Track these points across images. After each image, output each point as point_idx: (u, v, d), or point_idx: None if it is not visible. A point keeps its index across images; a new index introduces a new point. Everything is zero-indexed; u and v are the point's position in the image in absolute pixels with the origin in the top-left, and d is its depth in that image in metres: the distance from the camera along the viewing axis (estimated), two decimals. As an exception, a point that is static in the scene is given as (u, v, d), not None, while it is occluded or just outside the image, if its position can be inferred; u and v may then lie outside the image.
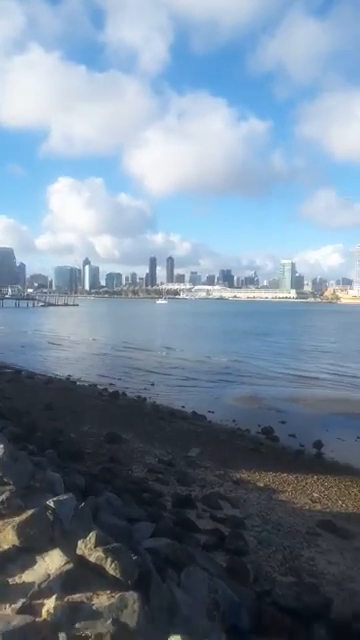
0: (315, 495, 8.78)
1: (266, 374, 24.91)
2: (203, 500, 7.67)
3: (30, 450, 7.15)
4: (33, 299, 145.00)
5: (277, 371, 25.97)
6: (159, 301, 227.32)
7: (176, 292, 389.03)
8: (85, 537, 2.75)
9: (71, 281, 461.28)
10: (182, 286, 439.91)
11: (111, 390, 18.77)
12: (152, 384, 21.06)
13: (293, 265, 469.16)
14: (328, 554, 6.30)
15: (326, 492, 9.00)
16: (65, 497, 3.09)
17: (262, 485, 9.09)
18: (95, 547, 2.72)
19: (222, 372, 24.95)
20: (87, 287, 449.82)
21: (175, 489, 8.16)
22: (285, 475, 9.76)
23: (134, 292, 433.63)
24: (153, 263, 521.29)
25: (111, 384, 20.55)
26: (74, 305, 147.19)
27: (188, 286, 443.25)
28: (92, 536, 2.72)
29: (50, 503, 2.94)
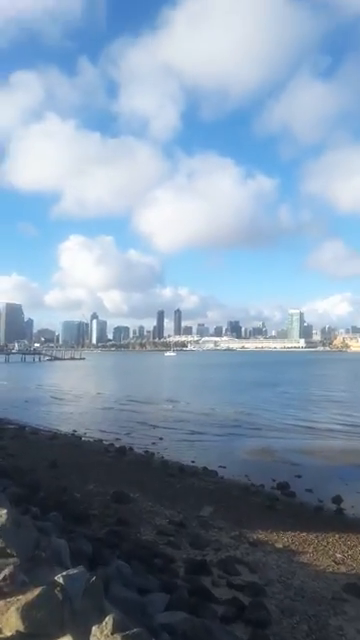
0: (338, 556, 8.26)
1: (276, 425, 24.46)
2: (219, 565, 7.20)
3: (33, 513, 6.82)
4: (39, 353, 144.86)
5: (287, 422, 25.48)
6: (167, 353, 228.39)
7: (183, 344, 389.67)
8: (100, 621, 2.43)
9: (78, 335, 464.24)
10: (190, 338, 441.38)
11: (117, 445, 18.45)
12: (160, 438, 20.66)
13: (301, 315, 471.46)
14: (357, 622, 5.84)
15: (350, 552, 8.48)
16: (75, 571, 2.77)
17: (281, 546, 8.59)
18: (112, 634, 2.39)
19: (231, 424, 24.62)
20: (94, 341, 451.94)
21: (188, 553, 7.71)
22: (305, 534, 9.24)
23: (141, 345, 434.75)
24: (161, 316, 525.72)
25: (117, 439, 20.28)
26: (80, 359, 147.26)
27: (196, 338, 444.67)
28: (109, 621, 2.40)
29: (59, 579, 2.63)
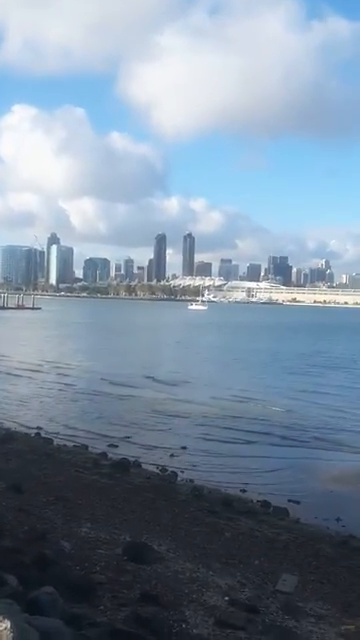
0: None
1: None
2: None
3: (13, 590, 6.14)
4: None
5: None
6: (193, 306, 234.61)
7: (197, 291, 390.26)
8: None
9: (28, 271, 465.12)
10: (207, 281, 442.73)
11: (114, 456, 18.70)
12: (183, 448, 21.01)
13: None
14: None
15: None
16: None
17: None
18: None
19: (295, 427, 25.49)
20: (53, 280, 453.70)
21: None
22: None
23: (129, 289, 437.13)
24: (161, 244, 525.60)
25: (111, 445, 20.84)
26: (34, 309, 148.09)
27: (217, 281, 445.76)
28: None
29: None
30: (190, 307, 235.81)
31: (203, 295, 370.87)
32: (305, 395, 33.93)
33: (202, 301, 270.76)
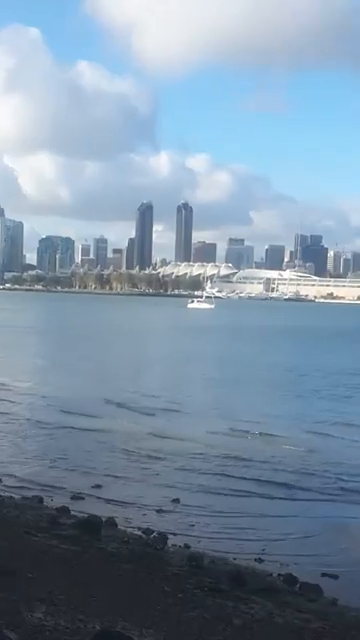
0: None
1: None
2: None
3: None
4: None
5: None
6: (195, 303, 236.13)
7: (195, 283, 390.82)
8: None
9: None
10: (210, 269, 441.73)
11: (79, 513, 18.80)
12: (174, 501, 21.19)
13: None
14: None
15: None
16: None
17: None
18: None
19: (319, 472, 26.13)
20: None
21: None
22: None
23: (102, 281, 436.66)
24: (146, 218, 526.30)
25: (76, 497, 20.93)
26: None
27: (224, 269, 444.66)
28: None
29: None
30: (190, 305, 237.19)
31: (204, 289, 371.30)
32: (336, 429, 34.45)
33: (207, 297, 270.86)
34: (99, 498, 21.02)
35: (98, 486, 22.24)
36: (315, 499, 22.57)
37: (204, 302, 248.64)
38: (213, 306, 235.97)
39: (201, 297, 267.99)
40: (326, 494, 23.10)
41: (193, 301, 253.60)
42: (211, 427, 33.14)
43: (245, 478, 24.54)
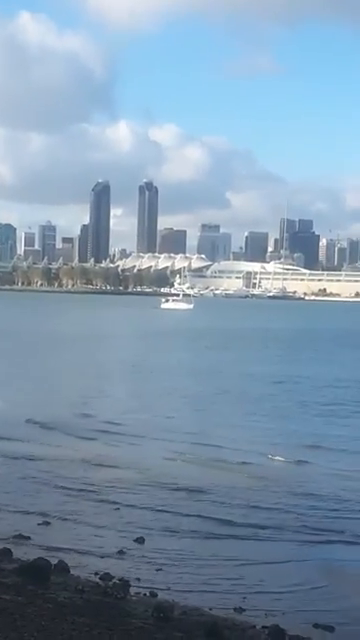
0: None
1: None
2: None
3: None
4: None
5: None
6: (170, 303, 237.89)
7: (162, 278, 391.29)
8: None
9: None
10: (179, 261, 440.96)
11: (24, 555, 18.74)
12: (137, 540, 21.10)
13: None
14: None
15: None
16: None
17: None
18: None
19: (305, 507, 26.20)
20: None
21: None
22: None
23: (49, 276, 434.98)
24: (102, 200, 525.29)
25: (19, 536, 20.74)
26: None
27: (196, 262, 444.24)
28: None
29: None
30: (164, 305, 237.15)
31: (172, 285, 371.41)
32: (317, 455, 34.97)
33: (184, 294, 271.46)
34: (47, 537, 20.82)
35: (46, 523, 22.09)
36: (300, 540, 22.53)
37: (181, 301, 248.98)
38: (192, 306, 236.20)
39: (178, 296, 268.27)
40: (315, 532, 23.09)
41: (167, 300, 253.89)
42: (179, 449, 33.39)
43: (216, 512, 24.80)
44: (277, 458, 33.35)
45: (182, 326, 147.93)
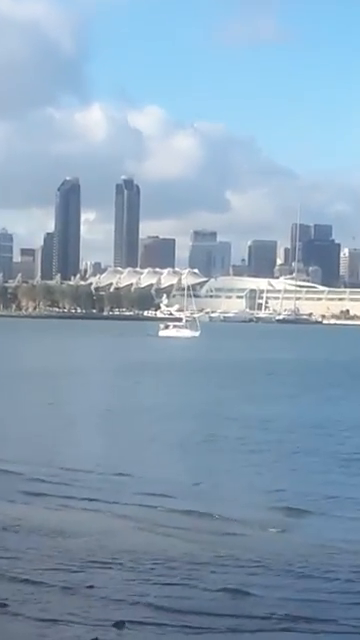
0: None
1: None
2: None
3: None
4: None
5: None
6: (170, 330, 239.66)
7: (145, 299, 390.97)
8: None
9: None
10: (166, 277, 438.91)
11: None
12: (117, 626, 20.69)
13: None
14: None
15: None
16: None
17: None
18: None
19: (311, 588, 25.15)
20: None
21: None
22: None
23: (5, 297, 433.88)
24: (70, 201, 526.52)
25: None
26: None
27: (188, 278, 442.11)
28: None
29: None
30: (163, 332, 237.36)
31: (158, 307, 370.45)
32: (311, 519, 34.41)
33: (187, 320, 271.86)
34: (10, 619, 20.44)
35: (3, 605, 21.48)
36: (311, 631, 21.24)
37: (183, 329, 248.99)
38: (198, 333, 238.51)
39: (181, 322, 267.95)
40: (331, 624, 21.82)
41: (167, 326, 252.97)
42: (165, 504, 34.01)
43: (205, 586, 24.04)
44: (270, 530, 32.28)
45: (171, 358, 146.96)
